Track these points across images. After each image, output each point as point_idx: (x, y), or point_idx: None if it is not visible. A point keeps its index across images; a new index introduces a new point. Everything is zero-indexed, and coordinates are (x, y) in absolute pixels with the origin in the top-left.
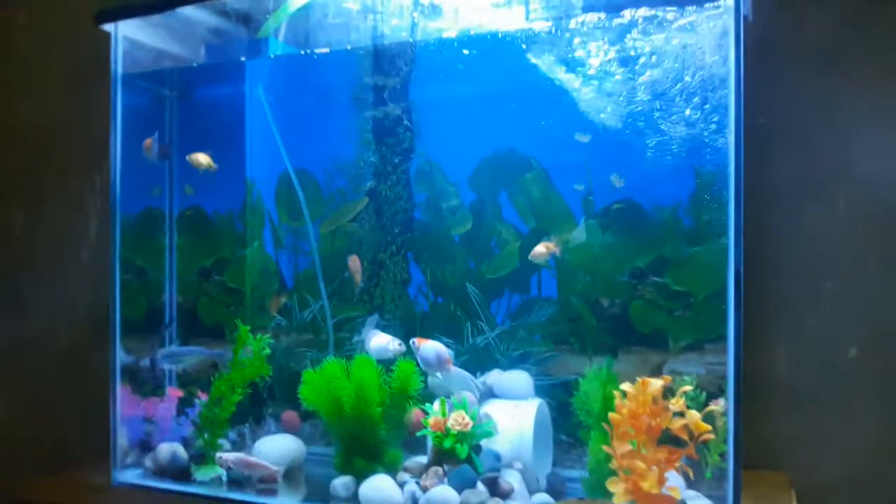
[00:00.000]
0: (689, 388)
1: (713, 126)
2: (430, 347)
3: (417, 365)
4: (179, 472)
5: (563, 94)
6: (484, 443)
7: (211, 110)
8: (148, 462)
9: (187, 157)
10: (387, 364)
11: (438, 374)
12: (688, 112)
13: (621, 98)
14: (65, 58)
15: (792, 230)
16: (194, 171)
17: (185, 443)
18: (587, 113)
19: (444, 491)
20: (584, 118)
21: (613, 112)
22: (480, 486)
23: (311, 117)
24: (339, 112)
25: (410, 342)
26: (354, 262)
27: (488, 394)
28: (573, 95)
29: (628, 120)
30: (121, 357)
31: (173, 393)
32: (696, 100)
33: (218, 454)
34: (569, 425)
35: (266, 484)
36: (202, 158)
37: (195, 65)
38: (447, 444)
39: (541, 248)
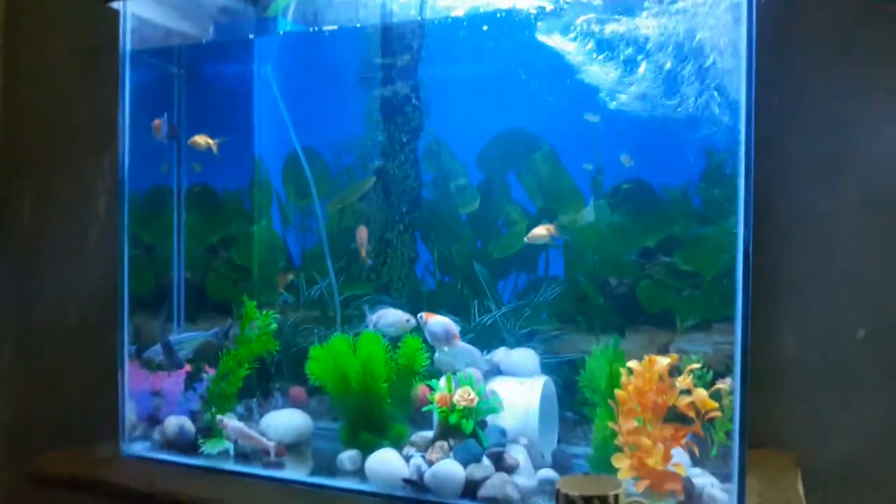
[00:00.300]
0: (696, 365)
1: (725, 106)
2: (437, 322)
3: (425, 340)
4: (187, 445)
5: (573, 73)
6: (490, 419)
7: (219, 88)
8: (156, 435)
9: (189, 142)
10: (395, 341)
11: (445, 348)
12: (699, 91)
13: (632, 77)
14: (73, 36)
15: (802, 212)
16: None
17: (193, 417)
18: (597, 92)
19: (450, 465)
20: (594, 97)
21: (624, 91)
22: (486, 460)
23: (319, 96)
24: (348, 90)
25: (418, 316)
26: (362, 233)
27: (494, 371)
28: (583, 74)
29: (639, 99)
30: (129, 338)
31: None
32: (707, 79)
33: (219, 416)
34: (574, 403)
35: (273, 458)
36: (201, 140)
37: (204, 42)
38: (453, 419)
39: (540, 230)
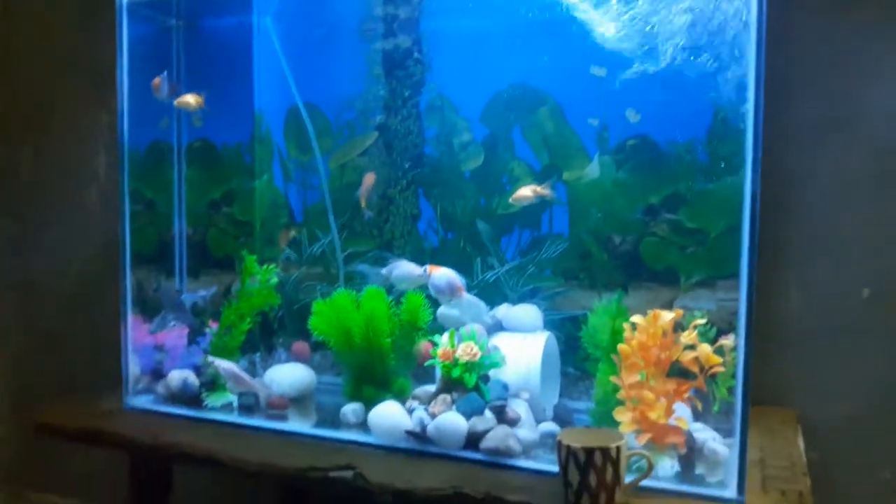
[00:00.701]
0: (701, 321)
1: (733, 61)
2: (441, 275)
3: (427, 296)
4: (191, 398)
5: (579, 26)
6: (492, 373)
7: (218, 40)
8: (159, 388)
9: (175, 104)
10: (399, 297)
11: (450, 301)
12: (707, 46)
13: (639, 31)
14: None
15: (808, 170)
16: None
17: (197, 370)
18: (603, 46)
19: (453, 417)
20: (600, 51)
21: (630, 45)
22: (488, 413)
23: (320, 49)
24: (348, 44)
25: (422, 269)
26: (368, 180)
27: (497, 327)
28: (589, 27)
29: (646, 53)
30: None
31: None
32: (715, 33)
33: (210, 357)
34: (576, 359)
35: (276, 410)
36: (191, 99)
37: None
38: (455, 373)
39: (525, 191)
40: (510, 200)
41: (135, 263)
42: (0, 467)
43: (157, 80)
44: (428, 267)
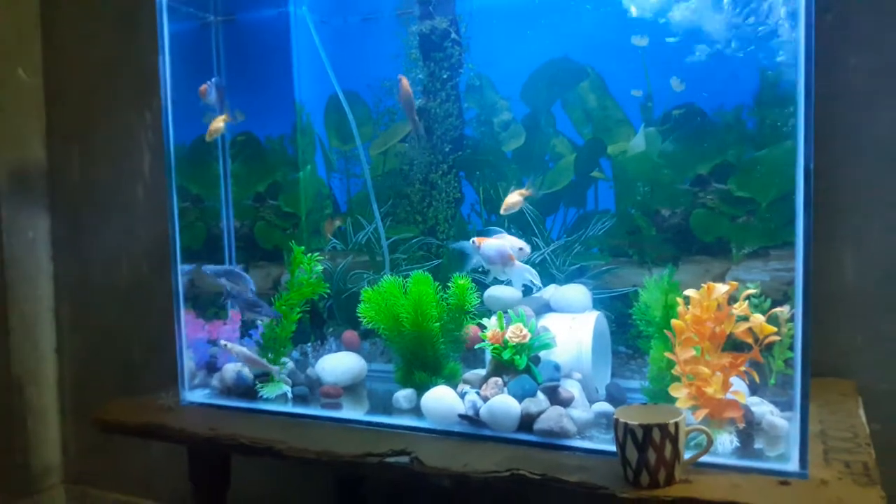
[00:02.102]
0: (753, 290)
1: (780, 24)
2: (491, 245)
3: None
4: (245, 390)
5: None
6: (542, 354)
7: (256, 34)
8: (215, 382)
9: (207, 135)
10: (445, 282)
11: (503, 270)
12: (752, 10)
13: None
14: None
15: (862, 133)
16: (245, 97)
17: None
18: (643, 14)
19: (505, 399)
20: (640, 20)
21: (671, 11)
22: (540, 394)
23: (357, 36)
24: (385, 29)
25: (470, 242)
26: (404, 85)
27: (545, 308)
28: None
29: (688, 19)
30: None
31: (236, 315)
32: None
33: (222, 340)
34: (627, 337)
35: (330, 398)
36: (220, 123)
37: None
38: (506, 355)
39: (513, 198)
40: (502, 212)
41: (184, 259)
42: (62, 466)
43: (203, 87)
44: (475, 239)
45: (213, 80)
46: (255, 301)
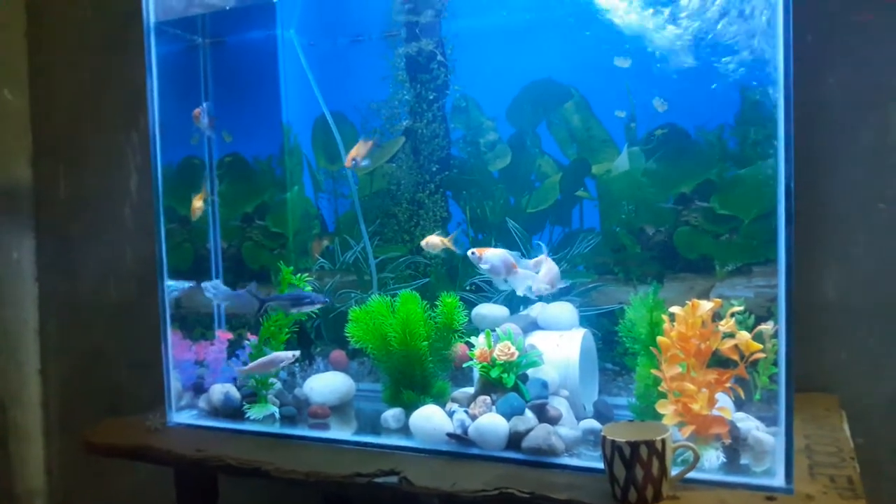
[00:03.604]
0: (739, 308)
1: (759, 43)
2: (494, 255)
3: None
4: (233, 411)
5: (600, 18)
6: (530, 372)
7: (244, 56)
8: (202, 403)
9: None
10: (433, 300)
11: (506, 279)
12: (733, 32)
13: (661, 18)
14: (97, 14)
15: (841, 150)
16: (232, 118)
17: (237, 383)
18: (626, 36)
19: (493, 418)
20: (623, 42)
21: (653, 34)
22: (528, 412)
23: (344, 58)
24: (372, 51)
25: (469, 254)
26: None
27: (533, 326)
28: (610, 18)
29: (669, 41)
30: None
31: (223, 336)
32: (741, 19)
33: (204, 283)
34: (614, 354)
35: (318, 419)
36: (199, 203)
37: (227, 8)
38: (494, 374)
39: (434, 240)
40: (423, 246)
41: (172, 279)
42: (46, 488)
43: (197, 111)
44: (475, 250)
45: (204, 105)
46: (298, 295)
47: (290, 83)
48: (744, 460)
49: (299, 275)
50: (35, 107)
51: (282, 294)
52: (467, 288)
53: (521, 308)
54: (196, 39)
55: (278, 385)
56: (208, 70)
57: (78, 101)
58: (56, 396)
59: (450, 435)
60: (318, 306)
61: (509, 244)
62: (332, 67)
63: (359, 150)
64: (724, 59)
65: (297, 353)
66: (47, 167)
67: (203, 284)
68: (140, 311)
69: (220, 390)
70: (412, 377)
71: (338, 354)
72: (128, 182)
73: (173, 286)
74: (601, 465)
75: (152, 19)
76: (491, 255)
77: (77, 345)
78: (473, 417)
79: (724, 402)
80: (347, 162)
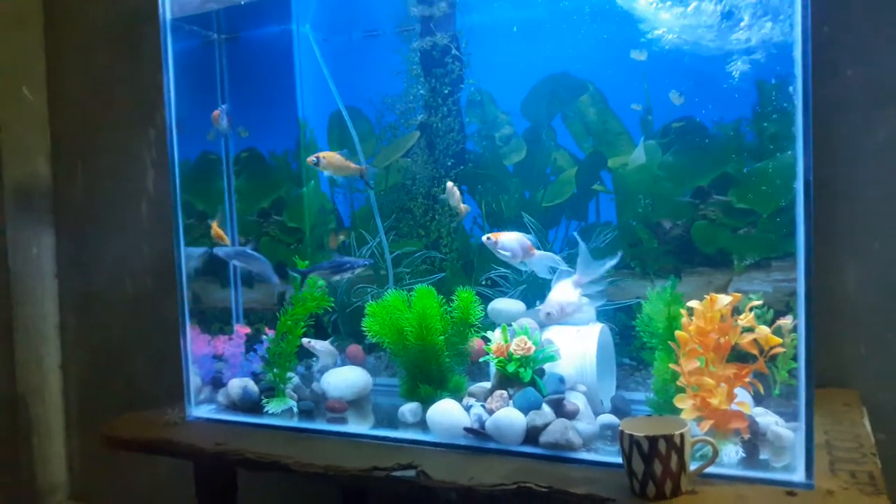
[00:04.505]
0: (758, 302)
1: (776, 35)
2: (511, 238)
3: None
4: (251, 405)
5: (616, 10)
6: (547, 367)
7: (259, 51)
8: (220, 397)
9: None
10: (449, 295)
11: (524, 261)
12: (750, 23)
13: (677, 11)
14: (112, 12)
15: (860, 142)
16: (248, 114)
17: (255, 378)
18: (642, 29)
19: (510, 412)
20: (639, 35)
21: (670, 26)
22: (545, 407)
23: (359, 53)
24: (386, 45)
25: (485, 239)
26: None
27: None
28: (626, 10)
29: (686, 33)
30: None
31: (241, 330)
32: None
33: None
34: (631, 349)
35: (335, 413)
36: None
37: (242, 3)
38: (510, 368)
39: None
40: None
41: (190, 275)
42: (67, 482)
43: (216, 113)
44: (491, 235)
45: (223, 106)
46: (339, 262)
47: (306, 78)
48: (763, 455)
49: None
50: (53, 104)
51: (321, 263)
52: (483, 282)
53: (538, 303)
54: (211, 35)
55: (296, 379)
56: (224, 66)
57: (95, 99)
58: (76, 391)
59: (467, 429)
60: (360, 270)
61: None
62: (347, 62)
63: (330, 159)
64: (741, 52)
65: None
66: (65, 164)
67: (215, 249)
68: (158, 306)
69: (239, 384)
70: (429, 372)
71: (355, 349)
72: (144, 178)
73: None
74: (619, 460)
75: (168, 16)
76: (507, 239)
77: (96, 340)
78: (490, 412)
79: (742, 396)
80: (310, 158)
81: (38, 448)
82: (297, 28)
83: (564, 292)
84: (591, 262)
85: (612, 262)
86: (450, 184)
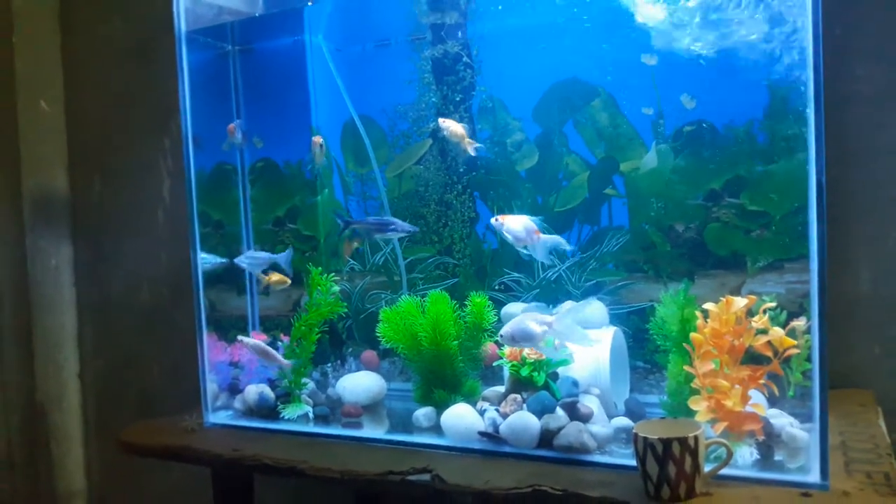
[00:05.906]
0: (771, 304)
1: (787, 37)
2: (516, 221)
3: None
4: (268, 411)
5: (626, 15)
6: (561, 371)
7: (273, 62)
8: (237, 404)
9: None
10: (462, 300)
11: (529, 245)
12: (760, 26)
13: (687, 14)
14: (129, 25)
15: (872, 142)
16: (263, 124)
17: (271, 384)
18: (652, 33)
19: (525, 416)
20: (649, 39)
21: (680, 30)
22: (559, 410)
23: (371, 62)
24: (398, 54)
25: (493, 221)
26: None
27: None
28: (636, 15)
29: (697, 37)
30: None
31: (257, 337)
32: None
33: (240, 336)
34: (645, 352)
35: (351, 419)
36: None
37: (256, 15)
38: (524, 372)
39: (456, 128)
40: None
41: (206, 283)
42: (86, 490)
43: (231, 126)
44: (498, 217)
45: (237, 121)
46: (385, 221)
47: (319, 88)
48: (778, 457)
49: (327, 275)
50: (70, 116)
51: (368, 218)
52: (496, 287)
53: (550, 307)
54: (226, 47)
55: (311, 385)
56: (238, 77)
57: (111, 110)
58: (93, 399)
59: (481, 433)
60: (403, 234)
61: None
62: (360, 72)
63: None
64: (751, 54)
65: (290, 363)
66: (82, 175)
67: (236, 260)
68: (175, 314)
69: (255, 391)
70: (443, 376)
71: (369, 355)
72: (161, 188)
73: (206, 259)
74: (633, 463)
75: (183, 28)
76: (512, 224)
77: (113, 348)
78: (504, 416)
79: (757, 398)
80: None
81: (57, 455)
82: (310, 39)
83: (528, 324)
84: (577, 327)
85: (588, 342)
86: (441, 120)
